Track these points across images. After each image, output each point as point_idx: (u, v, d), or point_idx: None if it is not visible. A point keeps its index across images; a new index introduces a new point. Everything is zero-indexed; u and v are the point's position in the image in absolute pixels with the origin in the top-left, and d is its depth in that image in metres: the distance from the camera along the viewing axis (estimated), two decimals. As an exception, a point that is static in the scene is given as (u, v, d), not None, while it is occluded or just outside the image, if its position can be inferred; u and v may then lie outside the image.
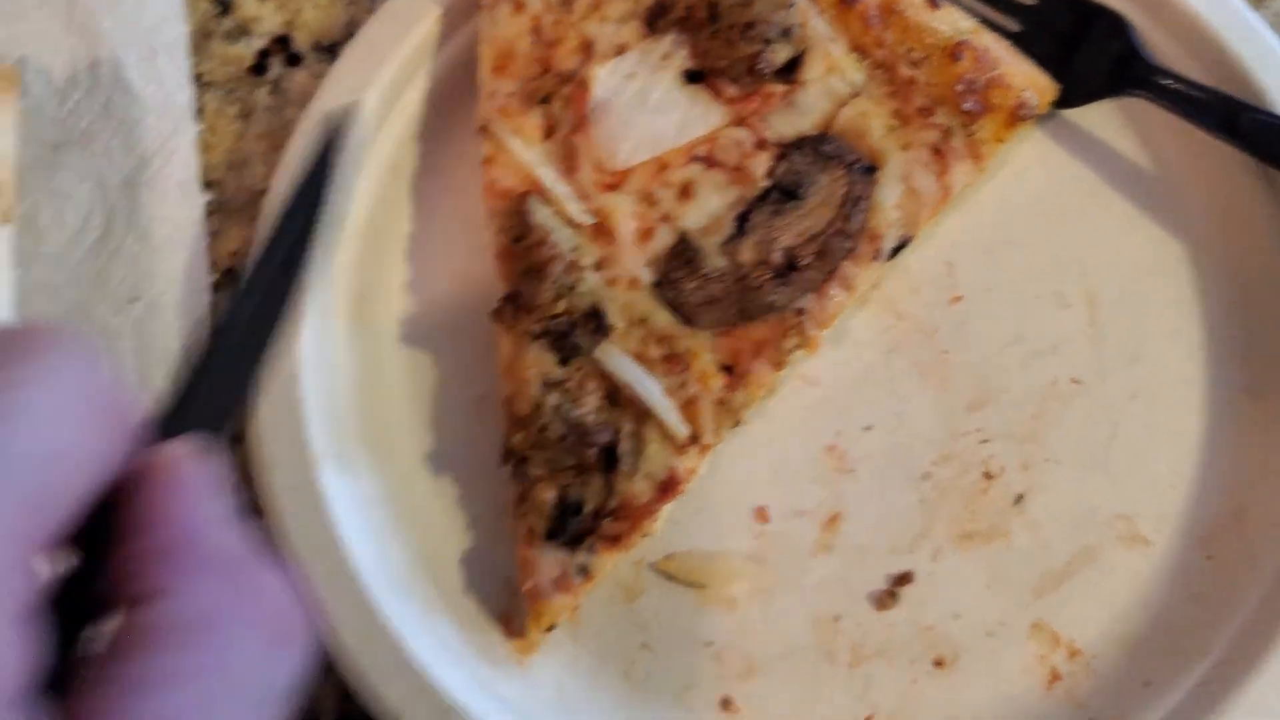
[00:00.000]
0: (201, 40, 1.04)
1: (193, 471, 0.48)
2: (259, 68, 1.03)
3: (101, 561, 0.46)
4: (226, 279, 0.98)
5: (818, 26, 0.91)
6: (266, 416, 0.87)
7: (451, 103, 0.98)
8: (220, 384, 0.53)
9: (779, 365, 0.87)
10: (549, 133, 0.92)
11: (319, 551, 0.84)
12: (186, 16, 1.04)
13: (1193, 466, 0.90)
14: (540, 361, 0.87)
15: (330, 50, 1.03)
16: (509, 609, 0.88)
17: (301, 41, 1.04)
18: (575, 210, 0.89)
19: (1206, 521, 0.88)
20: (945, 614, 0.87)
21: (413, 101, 0.97)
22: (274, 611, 0.46)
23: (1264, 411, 0.90)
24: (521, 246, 0.89)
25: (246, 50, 1.04)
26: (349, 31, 1.03)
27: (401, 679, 0.81)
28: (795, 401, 0.92)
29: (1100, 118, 0.97)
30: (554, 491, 0.86)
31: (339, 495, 0.86)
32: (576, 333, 0.88)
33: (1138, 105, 0.94)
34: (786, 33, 0.90)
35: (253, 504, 0.89)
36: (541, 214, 0.89)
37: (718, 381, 0.87)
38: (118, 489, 0.46)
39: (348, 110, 0.62)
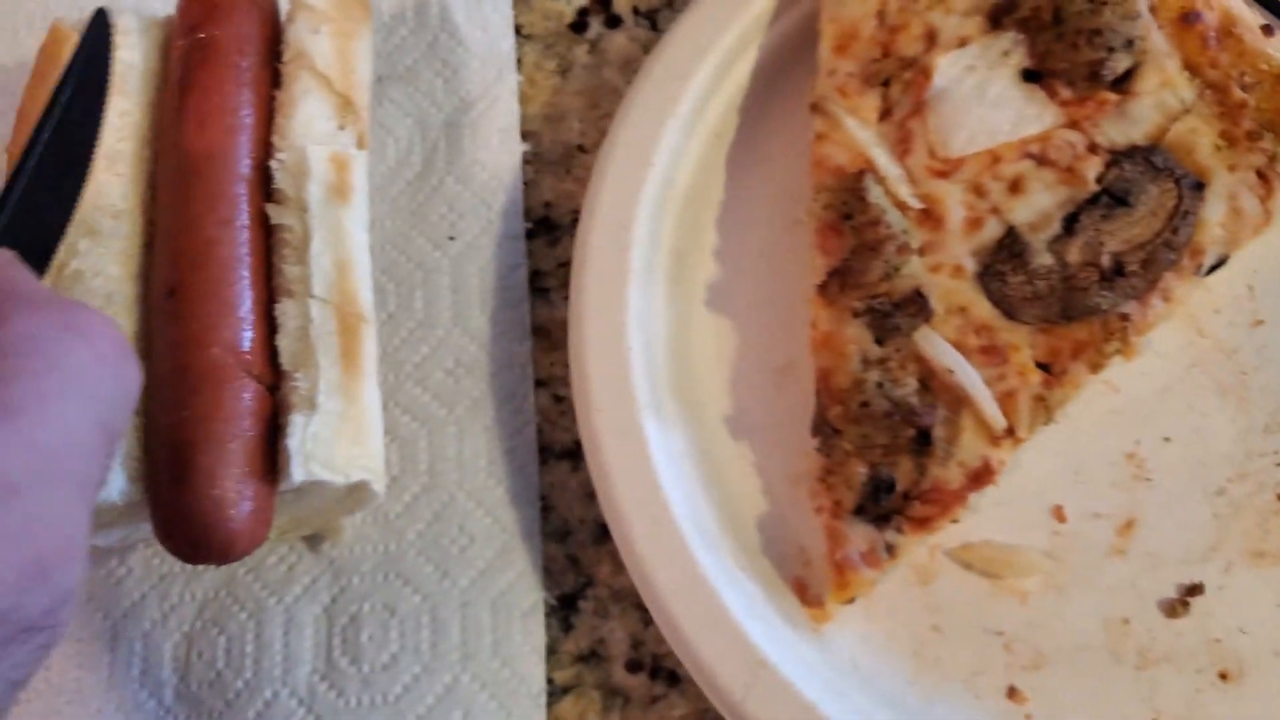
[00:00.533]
0: (524, -8, 1.06)
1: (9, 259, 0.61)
2: (579, 25, 1.06)
3: None
4: (540, 227, 1.00)
5: (1157, 41, 0.92)
6: (594, 363, 0.89)
7: (775, 78, 1.00)
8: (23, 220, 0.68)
9: (1096, 368, 0.88)
10: (884, 115, 0.93)
11: (641, 496, 0.86)
12: (511, -33, 1.06)
13: None
14: (859, 338, 0.89)
15: (649, 16, 1.06)
16: (802, 577, 0.90)
17: (621, 4, 1.06)
18: (906, 193, 0.91)
19: None
20: (1233, 628, 0.88)
21: (741, 72, 0.99)
22: (97, 335, 0.58)
23: None
24: (851, 224, 0.90)
25: (568, 7, 1.06)
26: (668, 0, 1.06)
27: (716, 629, 0.83)
28: (1098, 405, 0.93)
29: None
30: (865, 467, 0.87)
31: (657, 444, 0.88)
32: (898, 314, 0.89)
33: None
34: (1129, 43, 0.91)
35: (575, 445, 0.92)
36: (875, 193, 0.90)
37: (1035, 377, 0.88)
38: None
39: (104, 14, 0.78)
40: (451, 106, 1.02)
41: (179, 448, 0.77)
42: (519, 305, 0.97)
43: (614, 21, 1.06)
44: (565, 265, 0.99)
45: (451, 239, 0.98)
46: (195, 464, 0.77)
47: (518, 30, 1.05)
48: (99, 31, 0.81)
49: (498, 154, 1.01)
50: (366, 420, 0.83)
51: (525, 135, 1.02)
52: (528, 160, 1.02)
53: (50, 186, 0.72)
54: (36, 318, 0.57)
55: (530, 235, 1.00)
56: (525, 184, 1.01)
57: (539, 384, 0.96)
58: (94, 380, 0.58)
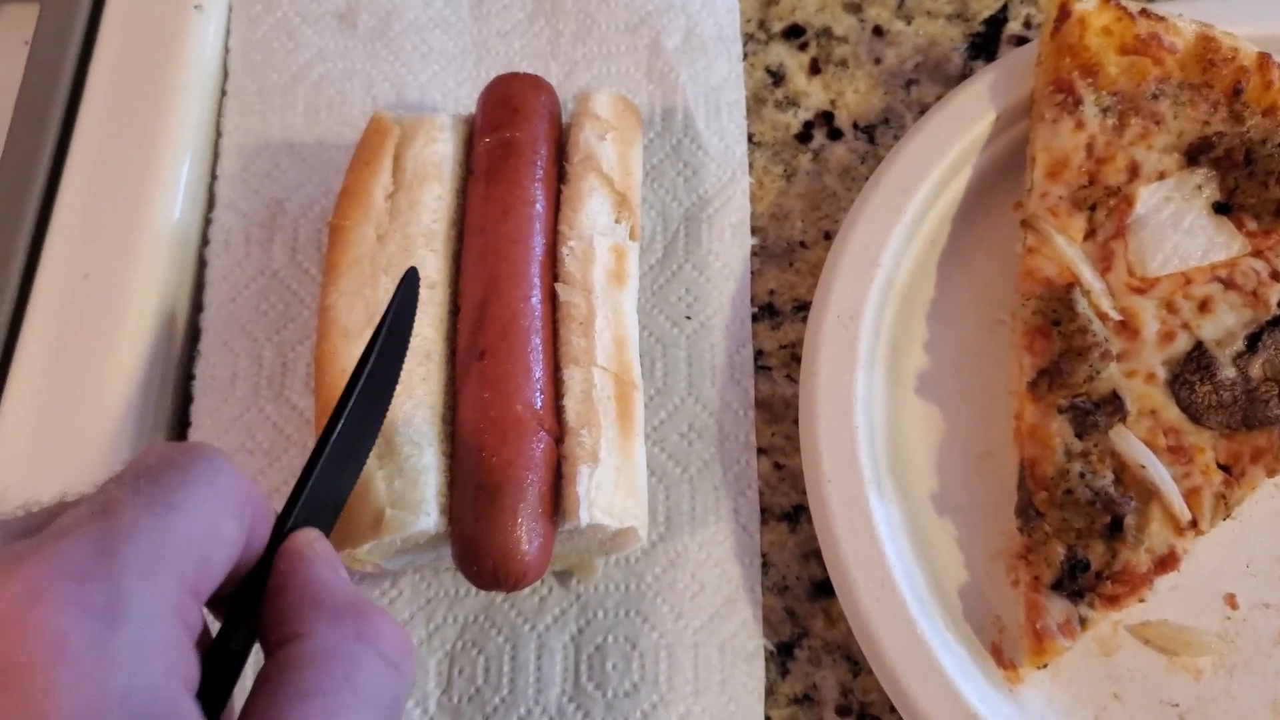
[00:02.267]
0: (755, 105, 1.20)
1: (319, 549, 0.68)
2: (804, 136, 1.19)
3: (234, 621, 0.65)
4: (764, 312, 1.13)
5: (1339, 183, 1.04)
6: (825, 438, 1.01)
7: (984, 194, 1.12)
8: (324, 489, 0.73)
9: (1272, 472, 0.99)
10: (1089, 235, 1.05)
11: (867, 560, 0.97)
12: (745, 82, 1.20)
13: None
14: (1062, 433, 1.00)
15: (867, 131, 1.19)
16: (998, 643, 1.00)
17: (842, 119, 1.19)
18: (1107, 306, 1.03)
19: None
20: (1390, 720, 0.97)
21: (957, 187, 1.11)
22: (389, 643, 0.64)
23: None
24: (1059, 330, 1.02)
25: (794, 120, 1.20)
26: (884, 116, 1.19)
27: (931, 682, 0.94)
28: (1269, 505, 1.04)
29: None
30: (1063, 548, 0.98)
31: (880, 515, 1.00)
32: (1098, 412, 1.00)
33: None
34: (1314, 184, 1.03)
35: (793, 509, 1.04)
36: (1083, 304, 1.02)
37: (1218, 477, 0.98)
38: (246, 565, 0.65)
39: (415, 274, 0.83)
40: (690, 202, 1.15)
41: (485, 489, 0.90)
42: (745, 380, 1.10)
43: (836, 134, 1.19)
44: (786, 347, 1.11)
45: (688, 318, 1.11)
46: (500, 504, 0.89)
47: (750, 138, 1.19)
48: (409, 286, 0.82)
49: (729, 246, 1.14)
50: (637, 475, 0.95)
51: (753, 231, 1.15)
52: (755, 253, 1.15)
53: (351, 443, 0.77)
54: (335, 630, 0.63)
55: (755, 319, 1.12)
56: (752, 274, 1.14)
57: (761, 452, 1.08)
58: (382, 689, 0.62)
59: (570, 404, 0.95)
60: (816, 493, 1.01)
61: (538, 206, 1.01)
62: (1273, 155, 1.03)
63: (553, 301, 0.99)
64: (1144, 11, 1.07)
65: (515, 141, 1.02)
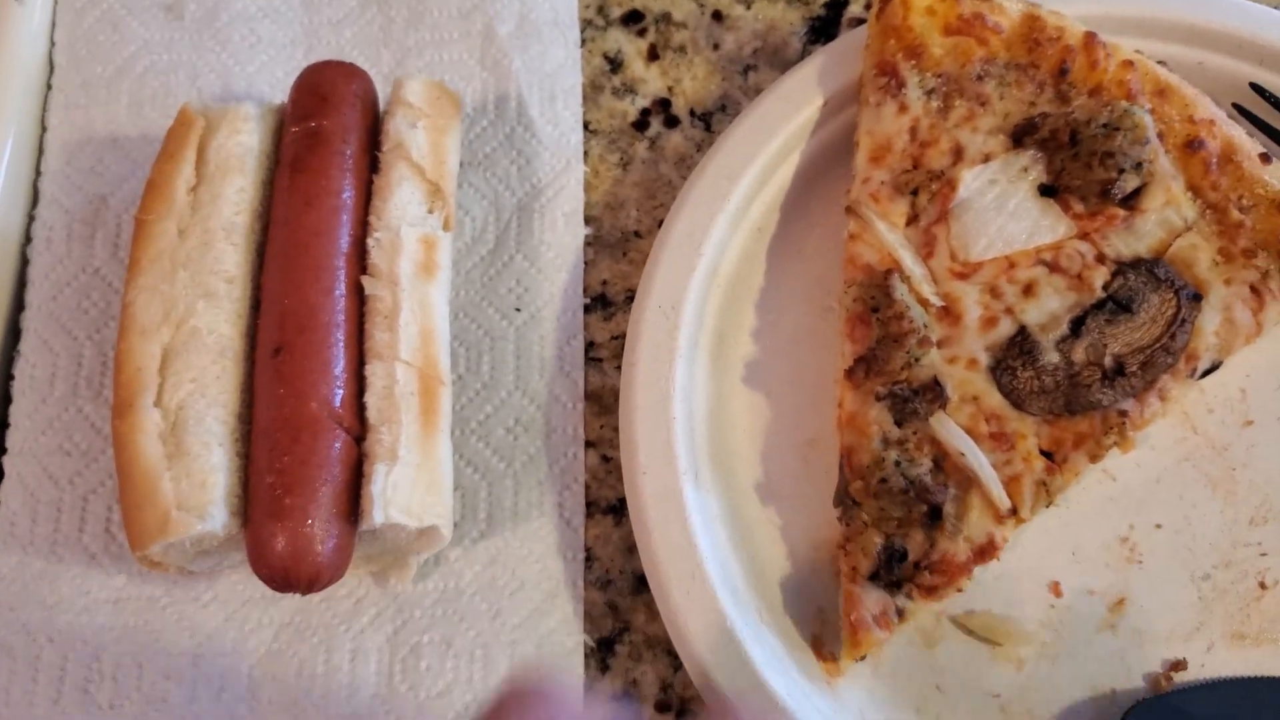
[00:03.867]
0: (592, 92, 1.18)
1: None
2: (640, 124, 1.17)
3: None
4: (596, 303, 1.11)
5: (1164, 164, 1.03)
6: (642, 429, 0.99)
7: (813, 181, 1.11)
8: None
9: (1096, 458, 0.98)
10: (911, 220, 1.04)
11: (679, 552, 0.96)
12: (582, 69, 1.18)
13: None
14: (880, 420, 0.99)
15: (704, 119, 1.17)
16: (819, 635, 0.99)
17: (679, 106, 1.18)
18: (928, 291, 1.01)
19: None
20: (1212, 704, 0.96)
21: (785, 174, 1.10)
22: None
23: None
24: (878, 317, 1.00)
25: (631, 107, 1.18)
26: (721, 104, 1.17)
27: (740, 676, 0.93)
28: (1094, 491, 1.03)
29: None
30: (880, 538, 0.97)
31: (695, 507, 0.98)
32: (917, 399, 0.99)
33: None
34: (1138, 165, 1.01)
35: (619, 502, 1.02)
36: (901, 290, 1.00)
37: (1039, 464, 0.97)
38: None
39: None
40: (524, 191, 1.13)
41: (276, 488, 0.88)
42: (574, 372, 1.08)
43: (672, 122, 1.17)
44: (618, 338, 1.10)
45: (518, 310, 1.09)
46: (290, 504, 0.87)
47: (586, 126, 1.17)
48: None
49: (563, 236, 1.12)
50: (440, 472, 0.93)
51: (587, 220, 1.13)
52: (588, 243, 1.13)
53: None
54: None
55: (587, 310, 1.10)
56: (585, 264, 1.12)
57: (589, 445, 1.06)
58: None
59: (371, 400, 0.93)
60: (632, 484, 0.99)
61: (344, 197, 0.99)
62: (1097, 136, 1.02)
63: (359, 295, 0.97)
64: (969, -9, 1.05)
65: (322, 130, 1.00)
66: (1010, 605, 1.00)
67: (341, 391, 0.92)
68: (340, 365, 0.93)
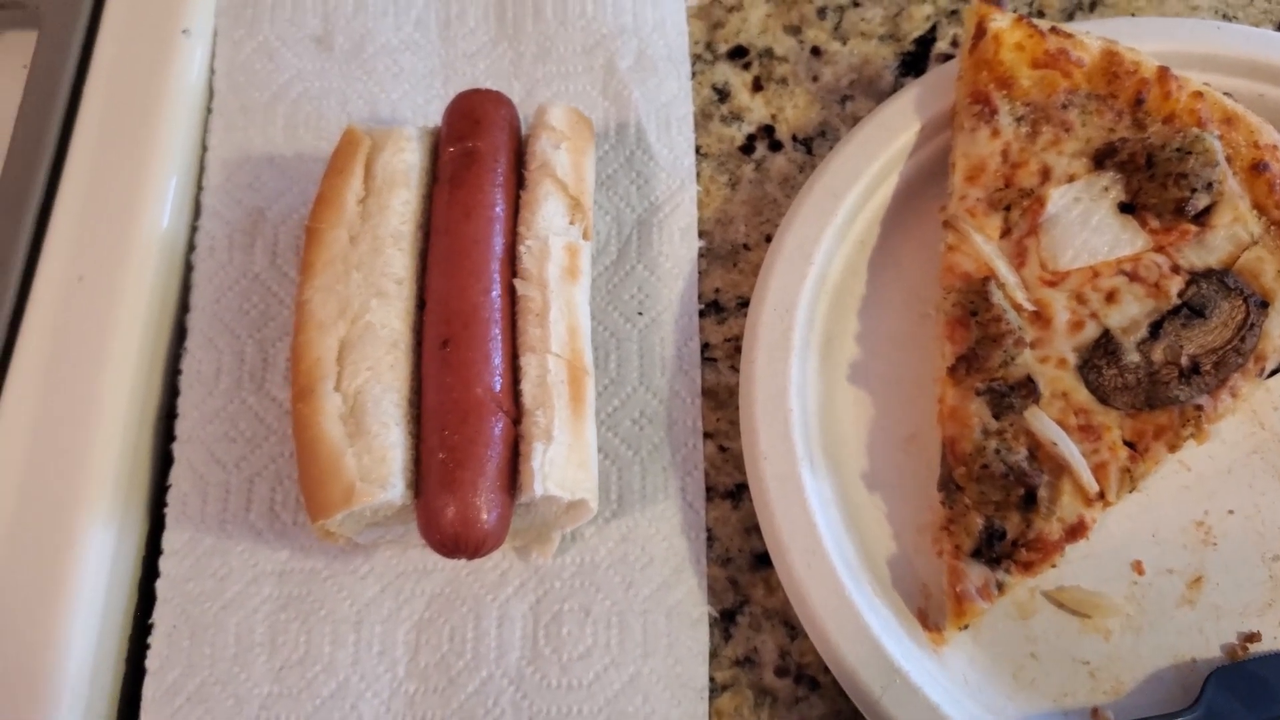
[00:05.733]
0: (702, 120, 1.30)
1: None
2: (747, 148, 1.29)
3: None
4: (710, 308, 1.22)
5: (1232, 184, 1.13)
6: (762, 419, 1.10)
7: (910, 198, 1.21)
8: None
9: (1174, 448, 1.08)
10: (1004, 233, 1.14)
11: (799, 530, 1.06)
12: (693, 99, 1.30)
13: None
14: (980, 413, 1.09)
15: (805, 143, 1.28)
16: (924, 608, 1.09)
17: (782, 132, 1.29)
18: (1021, 297, 1.12)
19: None
20: (1285, 673, 1.06)
21: (885, 192, 1.21)
22: None
23: None
24: (977, 320, 1.11)
25: (738, 133, 1.29)
26: (820, 130, 1.29)
27: (859, 642, 1.02)
28: (1174, 480, 1.13)
29: None
30: (981, 519, 1.07)
31: (812, 490, 1.08)
32: (1013, 395, 1.09)
33: None
34: (1209, 185, 1.12)
35: (735, 488, 1.12)
36: (998, 296, 1.11)
37: (1123, 453, 1.07)
38: None
39: None
40: (643, 208, 1.25)
41: (448, 464, 0.99)
42: (692, 370, 1.18)
43: (776, 146, 1.28)
44: (730, 340, 1.20)
45: (640, 314, 1.20)
46: (460, 477, 0.98)
47: (697, 150, 1.28)
48: None
49: (679, 248, 1.23)
50: (588, 452, 1.04)
51: (701, 234, 1.24)
52: (702, 254, 1.24)
53: None
54: None
55: (702, 314, 1.21)
56: (700, 273, 1.23)
57: (707, 436, 1.17)
58: None
59: (527, 388, 1.03)
60: (754, 469, 1.09)
61: (498, 209, 1.10)
62: (1171, 159, 1.13)
63: (512, 295, 1.08)
64: (1054, 29, 1.17)
65: (477, 151, 1.11)
66: (1098, 581, 1.10)
67: (500, 380, 1.03)
68: (499, 357, 1.04)
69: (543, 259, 1.08)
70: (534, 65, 1.30)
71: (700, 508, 1.13)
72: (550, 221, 1.10)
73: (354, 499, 0.97)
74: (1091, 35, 1.18)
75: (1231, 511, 1.12)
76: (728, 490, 1.15)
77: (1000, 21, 1.17)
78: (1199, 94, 1.15)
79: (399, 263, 1.08)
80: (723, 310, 1.21)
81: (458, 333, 1.03)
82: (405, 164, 1.12)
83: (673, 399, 1.17)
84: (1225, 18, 1.33)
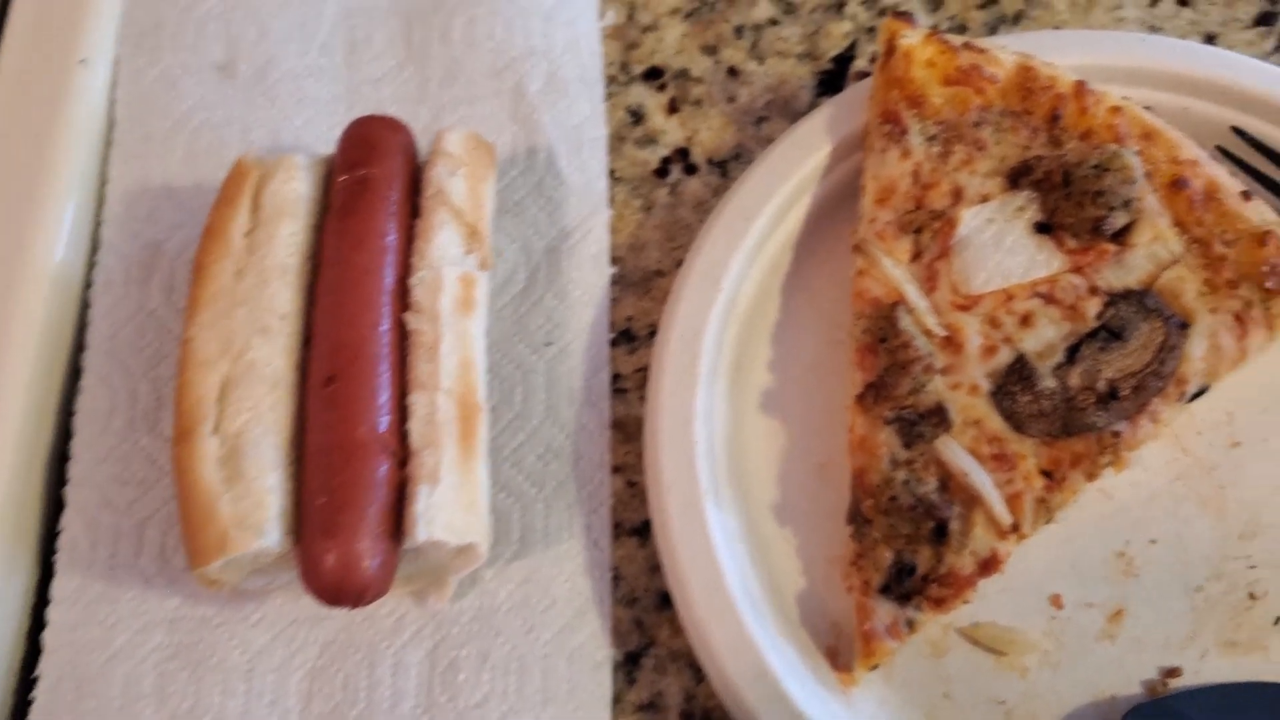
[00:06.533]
0: (616, 143, 1.26)
1: None
2: (661, 171, 1.25)
3: None
4: (622, 337, 1.18)
5: (1151, 202, 1.10)
6: (666, 452, 1.06)
7: (824, 222, 1.18)
8: None
9: (1091, 477, 1.04)
10: (915, 257, 1.11)
11: (701, 566, 1.02)
12: (606, 121, 1.26)
13: None
14: (889, 443, 1.05)
15: (720, 166, 1.25)
16: (834, 646, 1.05)
17: (698, 155, 1.26)
18: (931, 323, 1.08)
19: None
20: (1208, 710, 1.02)
21: (797, 215, 1.17)
22: None
23: None
24: (885, 346, 1.07)
25: (652, 156, 1.26)
26: (736, 152, 1.25)
27: (760, 683, 0.99)
28: (1092, 509, 1.09)
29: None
30: (891, 553, 1.03)
31: (716, 525, 1.04)
32: (923, 423, 1.05)
33: None
34: (1127, 203, 1.09)
35: (643, 524, 1.09)
36: (906, 321, 1.07)
37: (1039, 483, 1.04)
38: None
39: None
40: (552, 235, 1.21)
41: (328, 508, 0.95)
42: (601, 402, 1.15)
43: (691, 169, 1.25)
44: (641, 370, 1.17)
45: (548, 345, 1.17)
46: (341, 522, 0.94)
47: (610, 174, 1.25)
48: None
49: (589, 275, 1.20)
50: (478, 493, 1.00)
51: (613, 261, 1.21)
52: (614, 281, 1.20)
53: None
54: None
55: (613, 344, 1.18)
56: (611, 301, 1.19)
57: (615, 470, 1.13)
58: None
59: (414, 427, 1.00)
60: (656, 503, 1.06)
61: (390, 239, 1.06)
62: (1088, 176, 1.09)
63: (403, 330, 1.04)
64: (967, 44, 1.14)
65: (370, 179, 1.08)
66: (1014, 616, 1.06)
67: (387, 418, 0.99)
68: (386, 394, 1.00)
69: (435, 290, 1.04)
70: (441, 89, 1.27)
71: (606, 546, 1.10)
72: (444, 251, 1.06)
73: (228, 547, 0.94)
74: (1007, 50, 1.14)
75: (1154, 541, 1.08)
76: (635, 527, 1.11)
77: (911, 38, 1.13)
78: (1117, 109, 1.12)
79: (284, 297, 1.05)
80: (634, 339, 1.18)
81: (342, 369, 1.00)
82: (294, 194, 1.09)
83: (580, 433, 1.13)
84: (1152, 29, 1.29)
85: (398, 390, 1.01)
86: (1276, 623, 1.05)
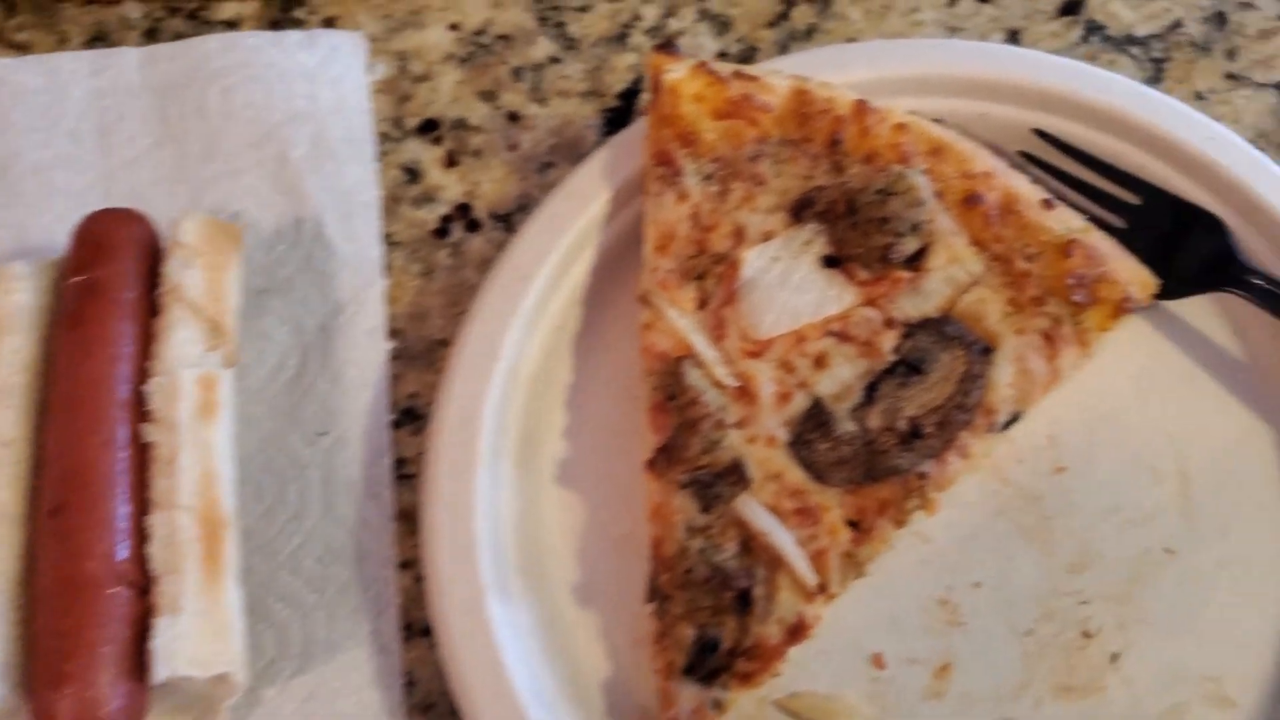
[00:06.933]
0: (392, 204, 1.18)
1: None
2: (441, 231, 1.17)
3: None
4: (405, 417, 1.10)
5: (943, 222, 1.03)
6: (442, 548, 0.98)
7: (612, 272, 1.11)
8: None
9: (900, 523, 0.97)
10: (701, 304, 1.04)
11: (484, 672, 0.94)
12: (380, 182, 1.18)
13: (1278, 633, 0.98)
14: (685, 508, 0.98)
15: (505, 220, 1.17)
16: (646, 733, 0.97)
17: (480, 210, 1.18)
18: (722, 374, 1.01)
19: (1292, 687, 0.96)
20: (1046, 761, 0.95)
21: (581, 270, 1.10)
22: None
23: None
24: (675, 404, 1.00)
25: (431, 215, 1.18)
26: (522, 204, 1.18)
27: (554, 793, 0.91)
28: (910, 556, 1.02)
29: (1197, 308, 1.08)
30: (693, 629, 0.95)
31: (501, 622, 0.97)
32: (720, 484, 0.98)
33: (1232, 299, 1.04)
34: (916, 227, 1.02)
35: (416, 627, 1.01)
36: (693, 376, 1.00)
37: (845, 535, 0.97)
38: None
39: None
40: (324, 312, 1.13)
41: (56, 655, 0.86)
42: (384, 493, 1.07)
43: (473, 226, 1.17)
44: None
45: (323, 435, 1.08)
46: (71, 670, 0.86)
47: (387, 238, 1.17)
48: None
49: (365, 352, 1.11)
50: (227, 617, 0.92)
51: (392, 333, 1.13)
52: (395, 356, 1.12)
53: None
54: None
55: (397, 425, 1.10)
56: (393, 378, 1.11)
57: (404, 565, 1.05)
58: None
59: (154, 551, 0.92)
60: (435, 606, 0.98)
61: (124, 346, 0.98)
62: (872, 203, 1.02)
63: (140, 444, 0.96)
64: (737, 73, 1.06)
65: (99, 281, 1.00)
66: (834, 682, 0.99)
67: (125, 545, 0.91)
68: (122, 518, 0.92)
69: (172, 397, 0.96)
70: (200, 165, 1.18)
71: (396, 650, 1.02)
72: (182, 352, 0.98)
73: (-56, 710, 0.85)
74: (781, 74, 1.07)
75: (978, 584, 1.01)
76: (427, 626, 1.03)
77: (676, 72, 1.06)
78: (902, 126, 1.05)
79: (7, 420, 0.96)
80: (419, 418, 1.10)
81: (71, 496, 0.91)
82: (15, 305, 1.00)
83: (362, 528, 1.05)
84: (952, 31, 1.23)
85: (137, 512, 0.93)
86: (1114, 660, 0.98)
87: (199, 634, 0.89)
